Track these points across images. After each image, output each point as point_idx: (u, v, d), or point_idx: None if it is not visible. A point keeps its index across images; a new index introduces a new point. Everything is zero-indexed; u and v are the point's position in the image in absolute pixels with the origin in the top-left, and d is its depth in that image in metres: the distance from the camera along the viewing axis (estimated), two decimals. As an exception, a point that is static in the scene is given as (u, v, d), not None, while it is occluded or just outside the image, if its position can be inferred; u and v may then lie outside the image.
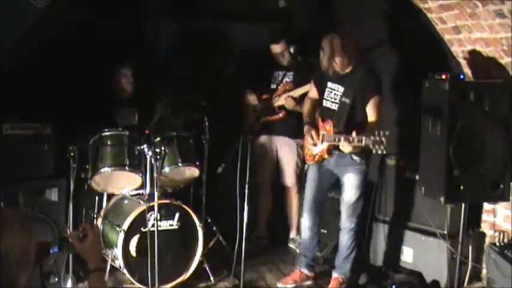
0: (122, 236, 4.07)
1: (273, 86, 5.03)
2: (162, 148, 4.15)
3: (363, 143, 3.67)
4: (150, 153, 4.15)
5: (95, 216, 4.46)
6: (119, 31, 4.88)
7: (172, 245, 4.25)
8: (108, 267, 4.22)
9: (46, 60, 4.49)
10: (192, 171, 4.47)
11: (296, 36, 5.06)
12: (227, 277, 4.45)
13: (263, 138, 5.12)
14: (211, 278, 4.42)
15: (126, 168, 4.22)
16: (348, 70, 4.01)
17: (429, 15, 4.09)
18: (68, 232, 3.96)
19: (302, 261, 4.48)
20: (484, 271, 4.27)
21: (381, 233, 4.73)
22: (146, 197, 4.20)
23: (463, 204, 3.79)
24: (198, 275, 4.40)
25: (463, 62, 4.25)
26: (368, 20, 4.98)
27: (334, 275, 4.39)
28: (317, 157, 4.22)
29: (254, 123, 5.02)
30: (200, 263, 4.37)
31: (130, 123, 4.66)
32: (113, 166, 4.22)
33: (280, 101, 4.94)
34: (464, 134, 3.59)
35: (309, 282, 4.52)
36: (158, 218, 4.10)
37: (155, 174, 4.14)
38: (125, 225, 4.09)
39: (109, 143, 4.24)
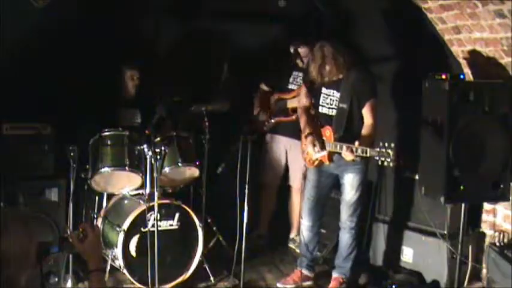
0: (121, 236, 4.07)
1: (292, 87, 5.00)
2: (162, 148, 4.15)
3: (368, 154, 3.67)
4: (150, 153, 4.15)
5: (95, 216, 4.46)
6: (119, 31, 4.88)
7: (172, 245, 4.25)
8: (108, 267, 4.21)
9: (46, 60, 4.49)
10: (192, 171, 4.47)
11: (295, 36, 5.05)
12: (227, 277, 4.45)
13: (272, 139, 5.10)
14: (211, 278, 4.42)
15: (126, 168, 4.22)
16: (341, 75, 4.01)
17: (429, 15, 4.09)
18: (68, 232, 3.96)
19: (302, 261, 4.48)
20: (484, 271, 4.26)
21: (380, 233, 4.73)
22: (146, 197, 4.20)
23: (463, 204, 3.79)
24: (198, 275, 4.40)
25: (463, 62, 4.25)
26: (368, 20, 4.98)
27: (334, 275, 4.39)
28: (317, 162, 4.23)
29: (267, 120, 5.01)
30: (200, 263, 4.37)
31: (133, 123, 4.67)
32: (113, 166, 4.22)
33: (294, 103, 4.88)
34: (464, 134, 3.59)
35: (309, 283, 4.52)
36: (158, 218, 4.10)
37: (155, 174, 4.14)
38: (125, 225, 4.09)
39: (109, 143, 4.24)
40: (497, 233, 4.23)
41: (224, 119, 4.93)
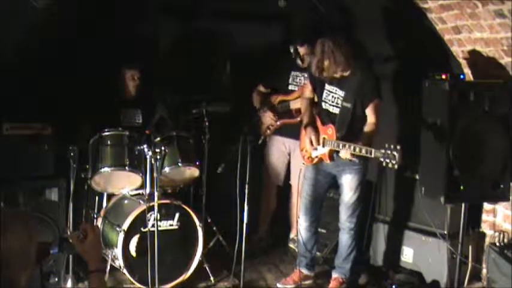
0: (121, 236, 4.07)
1: (293, 87, 4.96)
2: (162, 148, 4.15)
3: (373, 155, 3.65)
4: (150, 153, 4.15)
5: (95, 216, 4.46)
6: (119, 31, 4.88)
7: (172, 245, 4.25)
8: (108, 267, 4.21)
9: (46, 60, 4.49)
10: (192, 171, 4.47)
11: (295, 35, 5.05)
12: (227, 277, 4.45)
13: (273, 141, 5.08)
14: (211, 278, 4.42)
15: (126, 168, 4.22)
16: (345, 74, 3.98)
17: (429, 15, 4.09)
18: (68, 233, 3.96)
19: (301, 261, 4.48)
20: (484, 271, 4.26)
21: (380, 233, 4.73)
22: (146, 197, 4.20)
23: (463, 204, 3.79)
24: (198, 275, 4.40)
25: (463, 62, 4.25)
26: (368, 20, 4.98)
27: (334, 275, 4.39)
28: (316, 160, 4.21)
29: (270, 124, 4.99)
30: (200, 263, 4.37)
31: (133, 124, 4.68)
32: (113, 166, 4.22)
33: (298, 103, 4.83)
34: (464, 134, 3.59)
35: (308, 282, 4.52)
36: (158, 218, 4.10)
37: (155, 174, 4.14)
38: (125, 225, 4.09)
39: (109, 143, 4.25)
40: (497, 233, 4.23)
41: (224, 119, 4.93)
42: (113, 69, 4.72)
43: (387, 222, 4.73)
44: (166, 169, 4.29)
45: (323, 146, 4.07)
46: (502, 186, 3.70)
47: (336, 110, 4.08)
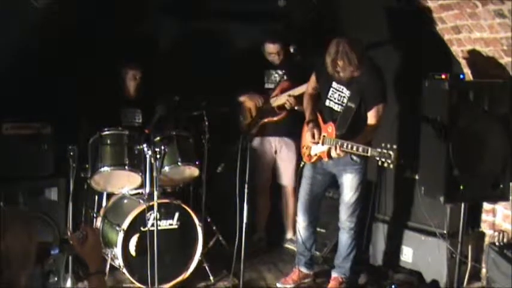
0: (121, 235, 4.07)
1: (270, 86, 5.00)
2: (162, 147, 4.15)
3: (369, 154, 3.66)
4: (149, 152, 4.16)
5: (95, 215, 4.46)
6: (119, 31, 4.88)
7: (172, 244, 4.25)
8: (108, 267, 4.21)
9: (46, 60, 4.49)
10: (192, 171, 4.47)
11: (294, 36, 5.05)
12: (227, 276, 4.45)
13: (260, 141, 5.07)
14: (211, 278, 4.42)
15: (126, 167, 4.23)
16: (355, 74, 3.95)
17: (429, 15, 4.09)
18: (69, 234, 3.96)
19: (300, 259, 4.48)
20: (484, 271, 4.27)
21: (380, 233, 4.73)
22: (146, 197, 4.21)
23: (462, 204, 3.79)
24: (198, 274, 4.40)
25: (463, 62, 4.25)
26: (368, 20, 4.98)
27: (334, 274, 4.39)
28: (315, 158, 4.21)
29: (252, 126, 4.98)
30: (200, 263, 4.37)
31: (134, 123, 4.68)
32: (112, 165, 4.22)
33: (280, 100, 4.91)
34: (464, 134, 3.59)
35: (307, 280, 4.52)
36: (158, 217, 4.11)
37: (155, 174, 4.14)
38: (125, 225, 4.09)
39: (109, 142, 4.25)
40: (496, 233, 4.24)
41: (224, 119, 4.93)
42: (113, 69, 4.72)
43: (387, 221, 4.73)
44: (166, 168, 4.29)
45: (322, 144, 4.07)
46: (501, 186, 3.70)
47: (340, 109, 4.07)
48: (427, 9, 4.06)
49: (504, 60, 3.85)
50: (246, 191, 3.90)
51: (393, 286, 4.30)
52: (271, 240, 5.30)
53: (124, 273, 4.17)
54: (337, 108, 4.10)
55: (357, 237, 4.33)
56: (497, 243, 4.05)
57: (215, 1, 5.38)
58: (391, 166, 3.55)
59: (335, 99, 4.11)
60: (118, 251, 4.08)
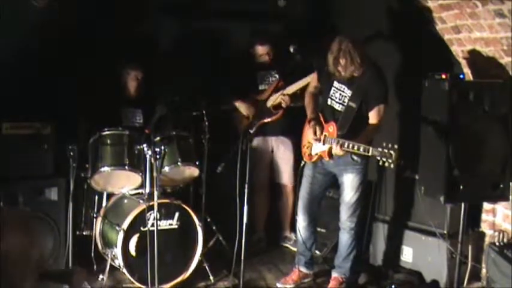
0: (121, 235, 4.07)
1: (263, 87, 5.02)
2: (162, 147, 4.15)
3: (370, 153, 3.66)
4: (149, 152, 4.16)
5: (95, 215, 4.46)
6: (119, 31, 4.88)
7: (172, 244, 4.25)
8: (108, 267, 4.21)
9: (46, 60, 4.49)
10: (192, 171, 4.47)
11: (295, 35, 5.06)
12: (227, 276, 4.45)
13: (257, 141, 5.05)
14: (211, 278, 4.42)
15: (126, 167, 4.23)
16: (356, 74, 3.96)
17: (429, 14, 4.09)
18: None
19: (300, 259, 4.48)
20: (484, 271, 4.27)
21: (380, 233, 4.73)
22: (146, 197, 4.21)
23: (462, 204, 3.79)
24: (198, 274, 4.40)
25: (463, 62, 4.24)
26: (368, 20, 4.98)
27: (334, 274, 4.39)
28: (316, 157, 4.21)
29: (249, 128, 4.98)
30: (200, 263, 4.37)
31: (135, 123, 4.68)
32: (112, 165, 4.22)
33: (276, 100, 4.90)
34: (464, 134, 3.59)
35: (307, 280, 4.52)
36: (158, 217, 4.11)
37: (155, 174, 4.14)
38: (125, 225, 4.09)
39: (109, 142, 4.25)
40: (496, 233, 4.24)
41: (224, 118, 4.92)
42: (113, 69, 4.72)
43: (387, 221, 4.73)
44: (166, 168, 4.29)
45: (323, 144, 4.06)
46: (501, 186, 3.70)
47: (341, 108, 4.07)
48: (427, 9, 4.06)
49: (504, 60, 3.85)
50: (246, 191, 3.90)
51: (393, 286, 4.30)
52: (271, 240, 5.30)
53: (124, 273, 4.17)
54: (338, 107, 4.09)
55: (357, 238, 4.33)
56: (497, 243, 4.05)
57: (215, 1, 5.38)
58: (392, 166, 3.55)
59: (336, 98, 4.11)
60: (118, 251, 4.08)
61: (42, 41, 4.44)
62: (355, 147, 3.74)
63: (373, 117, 3.99)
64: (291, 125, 4.77)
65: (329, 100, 4.15)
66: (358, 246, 4.39)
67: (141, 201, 4.26)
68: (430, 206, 4.22)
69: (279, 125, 4.96)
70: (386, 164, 3.55)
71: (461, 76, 3.80)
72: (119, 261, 4.13)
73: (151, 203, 4.09)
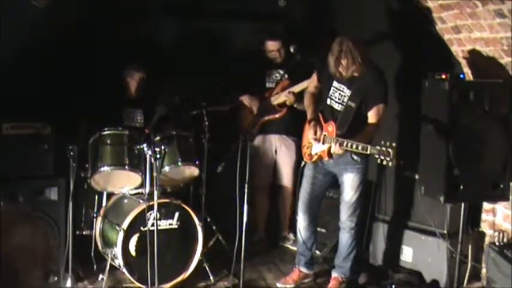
0: (121, 235, 4.07)
1: (270, 85, 5.04)
2: (162, 147, 4.15)
3: (368, 152, 3.66)
4: (149, 152, 4.15)
5: (95, 215, 4.46)
6: (119, 31, 4.88)
7: (172, 244, 4.25)
8: (108, 267, 4.21)
9: (46, 60, 4.49)
10: (192, 171, 4.47)
11: (295, 35, 5.06)
12: (227, 276, 4.44)
13: (260, 139, 5.08)
14: (211, 278, 4.42)
15: (126, 167, 4.23)
16: (356, 74, 3.96)
17: (429, 14, 4.09)
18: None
19: (300, 259, 4.48)
20: (484, 270, 4.27)
21: (380, 233, 4.73)
22: (146, 196, 4.21)
23: (462, 204, 3.79)
24: (198, 274, 4.40)
25: (463, 62, 4.25)
26: (368, 20, 4.98)
27: (334, 274, 4.39)
28: (316, 157, 4.21)
29: (253, 125, 5.01)
30: (200, 263, 4.37)
31: (136, 124, 4.68)
32: (112, 165, 4.22)
33: (281, 98, 4.93)
34: (464, 134, 3.59)
35: (308, 280, 4.52)
36: (158, 217, 4.10)
37: (155, 174, 4.14)
38: (125, 225, 4.09)
39: (109, 142, 4.25)
40: (496, 233, 4.24)
41: (224, 118, 4.92)
42: (114, 70, 4.71)
43: (387, 221, 4.73)
44: (166, 168, 4.29)
45: (323, 143, 4.06)
46: (501, 185, 3.70)
47: (340, 108, 4.07)
48: (427, 9, 4.06)
49: (504, 60, 3.85)
50: (246, 191, 3.90)
51: (393, 286, 4.30)
52: (271, 240, 5.30)
53: (124, 273, 4.17)
54: (337, 107, 4.10)
55: (357, 237, 4.33)
56: (497, 243, 4.05)
57: (215, 1, 5.38)
58: (391, 164, 3.55)
59: (335, 98, 4.11)
60: (118, 250, 4.08)
61: (42, 41, 4.44)
62: (354, 146, 3.74)
63: (372, 116, 3.99)
64: (296, 124, 4.76)
65: (328, 100, 4.15)
66: (358, 246, 4.39)
67: (141, 201, 4.26)
68: (430, 206, 4.22)
69: (283, 124, 4.97)
70: (385, 163, 3.55)
71: (461, 76, 3.81)
72: (119, 261, 4.13)
73: (151, 203, 4.09)
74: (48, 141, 4.16)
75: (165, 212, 4.21)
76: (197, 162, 4.42)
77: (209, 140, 4.55)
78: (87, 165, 4.29)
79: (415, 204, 4.55)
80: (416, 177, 4.18)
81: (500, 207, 4.30)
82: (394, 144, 3.50)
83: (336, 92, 4.10)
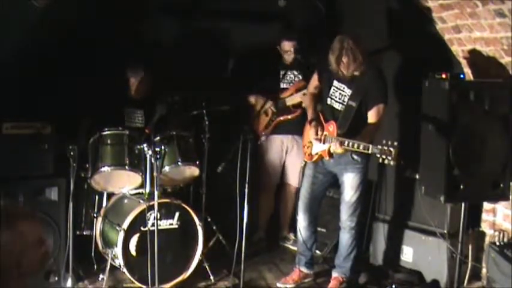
0: (121, 235, 4.07)
1: (285, 86, 5.02)
2: (162, 147, 4.15)
3: (370, 151, 3.66)
4: (150, 152, 4.16)
5: (95, 215, 4.46)
6: (119, 31, 4.88)
7: (172, 244, 4.25)
8: (108, 267, 4.21)
9: (46, 60, 4.49)
10: (192, 171, 4.47)
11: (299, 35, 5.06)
12: (227, 276, 4.45)
13: (272, 139, 5.08)
14: (211, 278, 4.42)
15: (126, 167, 4.23)
16: (356, 73, 3.96)
17: (429, 14, 4.09)
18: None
19: (300, 259, 4.48)
20: (484, 270, 4.27)
21: (380, 233, 4.73)
22: (146, 196, 4.20)
23: (462, 204, 3.79)
24: (198, 274, 4.40)
25: (463, 62, 4.25)
26: (368, 20, 4.98)
27: (334, 274, 4.39)
28: (316, 157, 4.21)
29: (267, 123, 5.01)
30: (200, 262, 4.37)
31: (137, 124, 4.68)
32: (112, 165, 4.22)
33: (296, 99, 4.92)
34: (464, 134, 3.59)
35: (308, 280, 4.52)
36: (158, 217, 4.11)
37: (155, 174, 4.14)
38: (125, 225, 4.09)
39: (109, 142, 4.25)
40: (497, 233, 4.24)
41: (224, 118, 4.93)
42: (114, 70, 4.71)
43: (387, 221, 4.73)
44: (166, 168, 4.29)
45: (323, 143, 4.06)
46: (502, 185, 3.70)
47: (341, 107, 4.07)
48: (427, 9, 4.06)
49: (504, 59, 3.85)
50: (246, 191, 3.90)
51: (393, 286, 4.30)
52: (271, 240, 5.30)
53: (124, 273, 4.17)
54: (338, 106, 4.10)
55: (357, 237, 4.33)
56: (497, 243, 4.05)
57: (215, 1, 5.38)
58: (392, 163, 3.55)
59: (336, 97, 4.11)
60: (118, 250, 4.09)
61: (42, 41, 4.44)
62: (355, 145, 3.74)
63: (372, 116, 3.99)
64: None
65: (329, 100, 4.15)
66: (358, 246, 4.39)
67: (141, 201, 4.26)
68: (430, 206, 4.22)
69: (296, 125, 4.91)
70: (386, 162, 3.55)
71: (461, 76, 3.80)
72: (119, 261, 4.13)
73: (151, 203, 4.09)
74: (48, 141, 4.16)
75: (166, 212, 4.22)
76: (197, 162, 4.42)
77: (209, 139, 4.55)
78: (87, 165, 4.29)
79: (415, 204, 4.55)
80: (417, 177, 4.18)
81: (501, 207, 4.30)
82: (395, 143, 3.50)
83: (337, 91, 4.10)
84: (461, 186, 3.61)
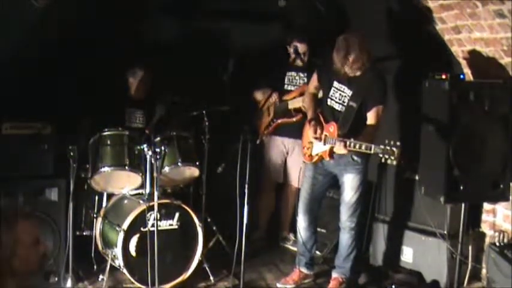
0: (121, 235, 4.07)
1: (291, 88, 5.00)
2: (162, 148, 4.15)
3: (372, 151, 3.65)
4: (150, 152, 4.16)
5: (95, 215, 4.46)
6: (119, 31, 4.88)
7: (172, 244, 4.25)
8: (108, 267, 4.21)
9: (46, 60, 4.49)
10: (192, 171, 4.47)
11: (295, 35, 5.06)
12: (227, 277, 4.45)
13: (273, 140, 5.08)
14: (211, 278, 4.42)
15: (126, 167, 4.22)
16: (358, 73, 3.96)
17: (429, 15, 4.09)
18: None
19: (300, 260, 4.48)
20: (484, 271, 4.27)
21: (380, 233, 4.73)
22: (146, 197, 4.20)
23: (462, 204, 3.79)
24: (198, 274, 4.40)
25: (463, 62, 4.25)
26: (368, 20, 4.98)
27: (334, 274, 4.39)
28: (316, 157, 4.20)
29: (268, 124, 5.01)
30: (200, 263, 4.37)
31: (138, 124, 4.68)
32: (112, 166, 4.22)
33: (298, 103, 4.88)
34: (464, 134, 3.59)
35: (308, 281, 4.52)
36: (158, 217, 4.11)
37: (155, 174, 4.14)
38: (125, 225, 4.09)
39: (109, 142, 4.25)
40: (497, 233, 4.24)
41: (224, 118, 4.93)
42: (115, 70, 4.71)
43: (387, 222, 4.73)
44: (166, 169, 4.29)
45: (324, 144, 4.06)
46: (501, 186, 3.70)
47: (341, 108, 4.07)
48: (427, 9, 4.06)
49: (504, 60, 3.85)
50: (246, 191, 3.90)
51: (393, 286, 4.30)
52: (271, 240, 5.30)
53: (124, 273, 4.17)
54: (338, 107, 4.09)
55: (357, 238, 4.33)
56: (497, 244, 4.05)
57: (215, 1, 5.38)
58: (394, 163, 3.54)
59: (336, 98, 4.10)
60: (118, 251, 4.08)
61: (42, 41, 4.44)
62: (358, 146, 3.73)
63: (371, 118, 3.98)
64: None
65: (329, 100, 4.14)
66: (358, 247, 4.39)
67: (141, 201, 4.26)
68: (430, 206, 4.22)
69: (297, 128, 4.87)
70: (389, 161, 3.55)
71: (461, 76, 3.81)
72: (119, 262, 4.12)
73: (151, 204, 4.09)
74: (48, 142, 4.15)
75: (166, 212, 4.21)
76: (197, 163, 4.42)
77: (209, 140, 4.55)
78: (87, 166, 4.29)
79: (415, 205, 4.54)
80: (417, 177, 4.18)
81: (501, 207, 4.30)
82: (398, 143, 3.50)
83: (337, 92, 4.10)
84: (461, 187, 3.62)
